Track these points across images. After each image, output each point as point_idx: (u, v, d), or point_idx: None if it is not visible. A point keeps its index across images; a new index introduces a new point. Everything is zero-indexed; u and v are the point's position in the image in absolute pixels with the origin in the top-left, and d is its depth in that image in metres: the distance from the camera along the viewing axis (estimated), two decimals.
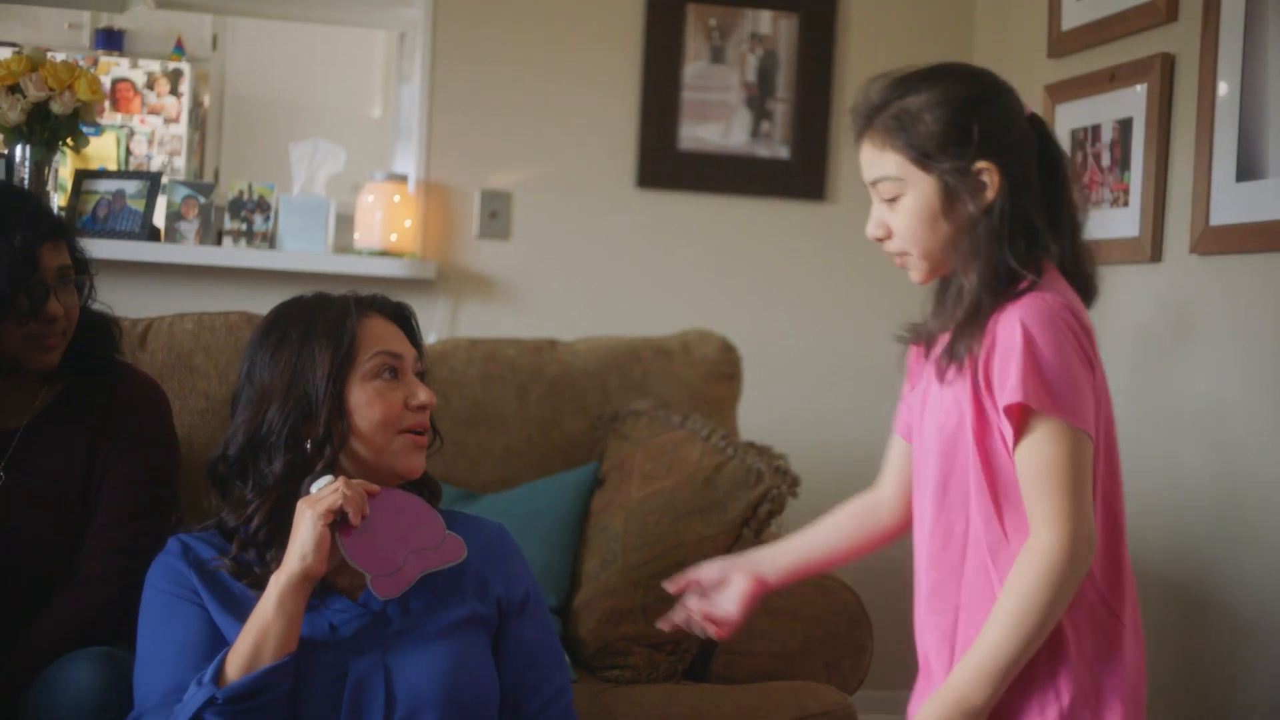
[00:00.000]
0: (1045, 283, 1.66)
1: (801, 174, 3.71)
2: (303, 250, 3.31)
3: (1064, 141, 3.27)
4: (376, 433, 1.81)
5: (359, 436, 1.81)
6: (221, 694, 1.63)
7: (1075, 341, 1.63)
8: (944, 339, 1.72)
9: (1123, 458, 3.03)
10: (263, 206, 3.34)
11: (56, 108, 3.03)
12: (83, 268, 2.11)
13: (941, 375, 1.69)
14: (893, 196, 1.68)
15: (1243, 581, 2.70)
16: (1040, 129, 1.74)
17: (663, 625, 1.94)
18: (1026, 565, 1.58)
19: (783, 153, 3.70)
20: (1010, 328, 1.61)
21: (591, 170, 3.62)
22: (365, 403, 1.81)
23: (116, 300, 2.48)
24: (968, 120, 1.65)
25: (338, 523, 1.69)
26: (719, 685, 2.24)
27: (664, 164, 3.64)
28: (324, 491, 1.70)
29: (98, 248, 3.08)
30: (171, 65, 4.84)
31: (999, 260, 1.65)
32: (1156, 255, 2.94)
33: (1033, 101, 3.41)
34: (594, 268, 3.62)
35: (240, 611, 1.75)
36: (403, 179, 3.44)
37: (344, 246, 3.46)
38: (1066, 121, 3.27)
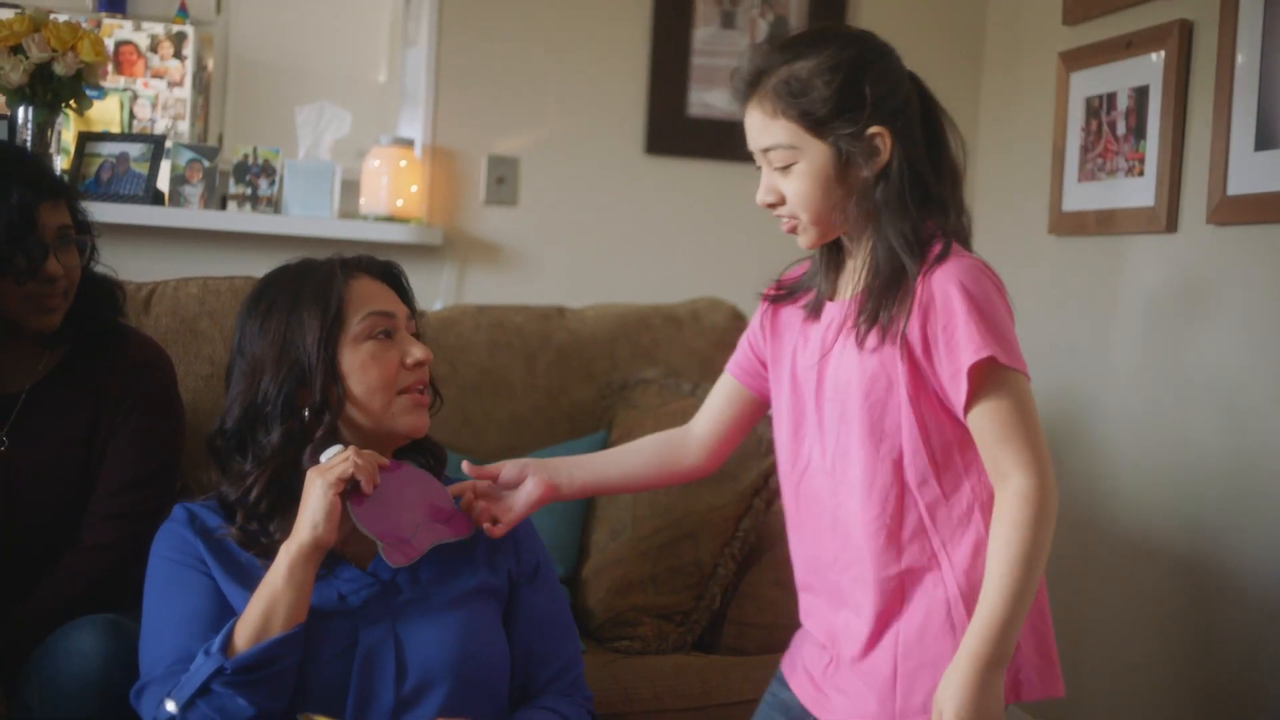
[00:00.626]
0: (955, 246, 1.67)
1: None
2: (308, 215, 3.28)
3: (1078, 109, 3.23)
4: (374, 395, 1.79)
5: (356, 402, 1.79)
6: (230, 664, 1.61)
7: (1000, 295, 1.66)
8: (843, 305, 1.72)
9: (1134, 428, 3.01)
10: (268, 170, 3.31)
11: (59, 69, 2.99)
12: (84, 228, 2.08)
13: (861, 341, 1.68)
14: (785, 164, 1.67)
15: (1254, 552, 2.68)
16: (922, 89, 1.74)
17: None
18: (1013, 513, 1.60)
19: None
20: (946, 290, 1.61)
21: (600, 136, 3.58)
22: (359, 366, 1.79)
23: (120, 264, 2.45)
24: (859, 84, 1.64)
25: (348, 492, 1.67)
26: (728, 657, 2.22)
27: (673, 130, 3.60)
28: (334, 460, 1.68)
29: (101, 211, 3.07)
30: (175, 28, 4.78)
31: (908, 224, 1.65)
32: (1172, 225, 2.90)
33: (1047, 69, 3.38)
34: (602, 234, 3.59)
35: (248, 580, 1.73)
36: (409, 144, 3.41)
37: (349, 212, 3.43)
38: (1081, 89, 3.23)
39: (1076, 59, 3.25)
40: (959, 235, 1.71)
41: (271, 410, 1.77)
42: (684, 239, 3.64)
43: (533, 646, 1.86)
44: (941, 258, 1.64)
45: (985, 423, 1.61)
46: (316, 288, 1.81)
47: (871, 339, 1.66)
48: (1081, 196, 3.23)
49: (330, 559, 1.75)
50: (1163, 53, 2.92)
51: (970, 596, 1.66)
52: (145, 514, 1.98)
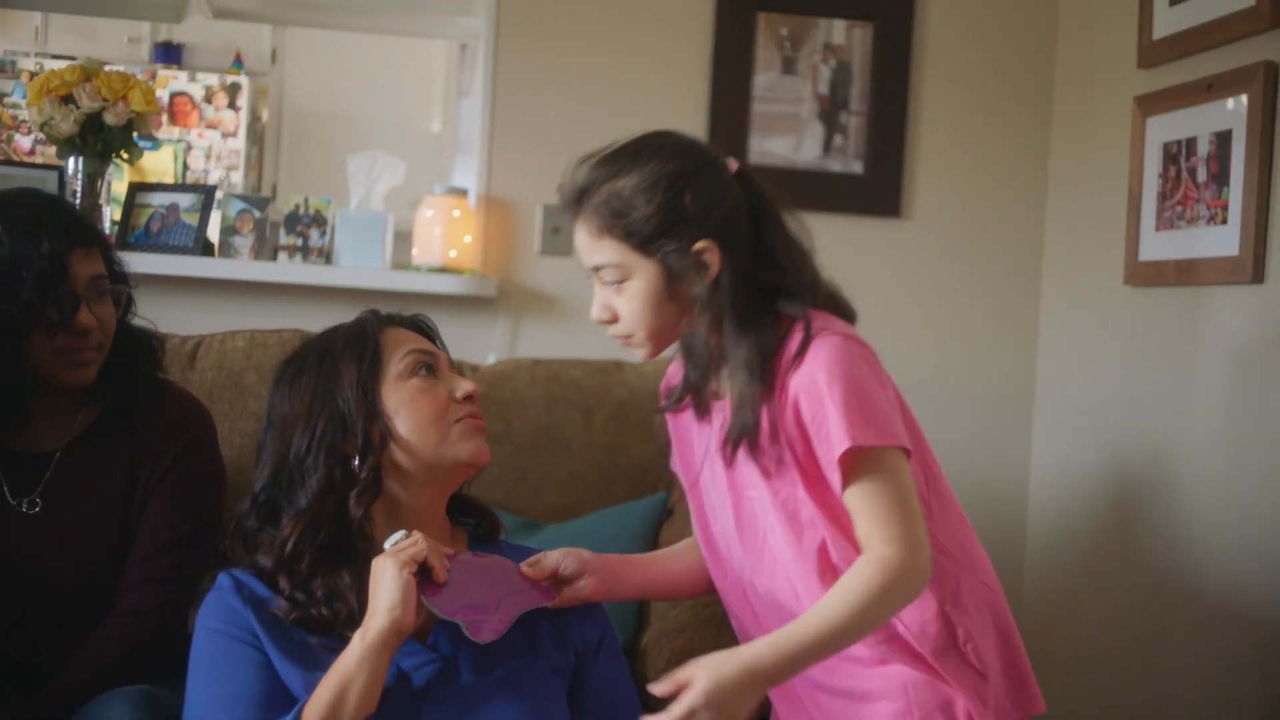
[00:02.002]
0: (816, 327, 1.67)
1: (876, 190, 3.57)
2: (360, 266, 3.21)
3: (1155, 156, 3.11)
4: (427, 431, 1.71)
5: (403, 443, 1.70)
6: None
7: (867, 366, 1.67)
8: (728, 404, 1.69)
9: (1218, 489, 2.87)
10: (319, 221, 3.25)
11: (110, 119, 2.96)
12: (119, 279, 2.00)
13: (734, 455, 1.69)
14: (616, 281, 1.66)
15: None
16: (749, 184, 1.72)
17: None
18: (861, 569, 1.58)
19: (856, 167, 3.57)
20: (810, 382, 1.61)
21: None
22: (407, 401, 1.71)
23: (168, 317, 2.39)
24: (681, 200, 1.63)
25: (419, 579, 1.60)
26: None
27: None
28: (403, 544, 1.60)
29: (150, 263, 3.05)
30: (230, 79, 4.78)
31: (753, 334, 1.65)
32: (1259, 275, 2.77)
33: (1121, 114, 3.27)
34: None
35: (304, 658, 1.63)
36: (463, 193, 3.33)
37: (402, 263, 3.35)
38: (1158, 135, 3.11)
39: (1153, 103, 3.13)
40: (830, 304, 1.76)
41: (310, 462, 1.69)
42: None
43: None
44: (801, 352, 1.64)
45: (857, 505, 1.61)
46: (348, 338, 1.76)
47: (741, 453, 1.68)
48: (1159, 246, 3.10)
49: None
50: (1246, 96, 2.80)
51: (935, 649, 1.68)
52: (184, 578, 1.89)
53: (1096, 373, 3.39)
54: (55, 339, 1.87)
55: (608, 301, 1.67)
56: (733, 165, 1.72)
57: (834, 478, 1.59)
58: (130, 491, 1.97)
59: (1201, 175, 2.96)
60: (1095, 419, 3.38)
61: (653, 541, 2.40)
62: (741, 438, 1.65)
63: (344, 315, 1.86)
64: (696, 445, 1.81)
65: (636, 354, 1.73)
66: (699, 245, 1.63)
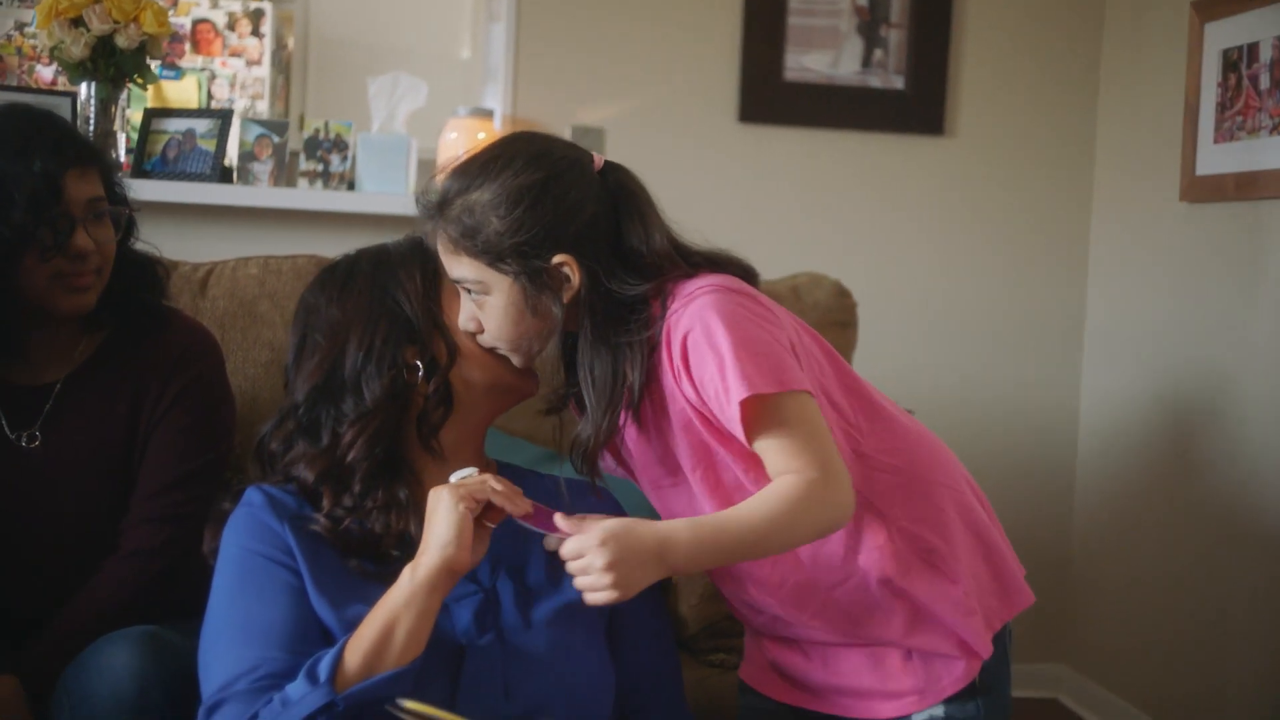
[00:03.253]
0: (677, 290, 1.61)
1: (918, 106, 3.43)
2: (382, 192, 3.10)
3: (1214, 63, 2.95)
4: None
5: (468, 355, 1.61)
6: (342, 699, 1.41)
7: (747, 312, 1.58)
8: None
9: (1278, 411, 2.74)
10: (340, 146, 3.14)
11: (122, 41, 2.85)
12: (120, 200, 1.89)
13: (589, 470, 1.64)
14: (478, 294, 1.58)
15: None
16: (611, 181, 1.67)
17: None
18: (782, 480, 1.50)
19: (897, 83, 3.42)
20: (691, 341, 1.54)
21: (690, 104, 3.37)
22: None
23: (185, 245, 2.29)
24: (536, 215, 1.55)
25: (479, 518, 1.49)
26: None
27: (768, 96, 3.38)
28: (469, 480, 1.49)
29: (167, 190, 2.96)
30: (253, 5, 4.65)
31: (607, 358, 1.58)
32: None
33: (1178, 19, 3.10)
34: (693, 208, 3.29)
35: (339, 588, 1.53)
36: (488, 115, 3.21)
37: None
38: (1217, 41, 2.96)
39: (1211, 8, 2.97)
40: (710, 265, 1.70)
41: (371, 369, 1.59)
42: (780, 212, 3.41)
43: (636, 665, 1.69)
44: (663, 314, 1.58)
45: (769, 455, 1.52)
46: (406, 250, 1.67)
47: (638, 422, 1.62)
48: (1218, 159, 2.95)
49: None
50: None
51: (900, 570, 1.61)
52: (191, 515, 1.79)
53: (1150, 295, 3.25)
54: (50, 263, 1.76)
55: (473, 313, 1.59)
56: (597, 163, 1.66)
57: (738, 432, 1.51)
58: (133, 424, 1.88)
59: (1264, 83, 2.80)
60: (1149, 344, 3.25)
61: None
62: (589, 454, 1.60)
63: (366, 242, 1.74)
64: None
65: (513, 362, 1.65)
66: (557, 260, 1.55)
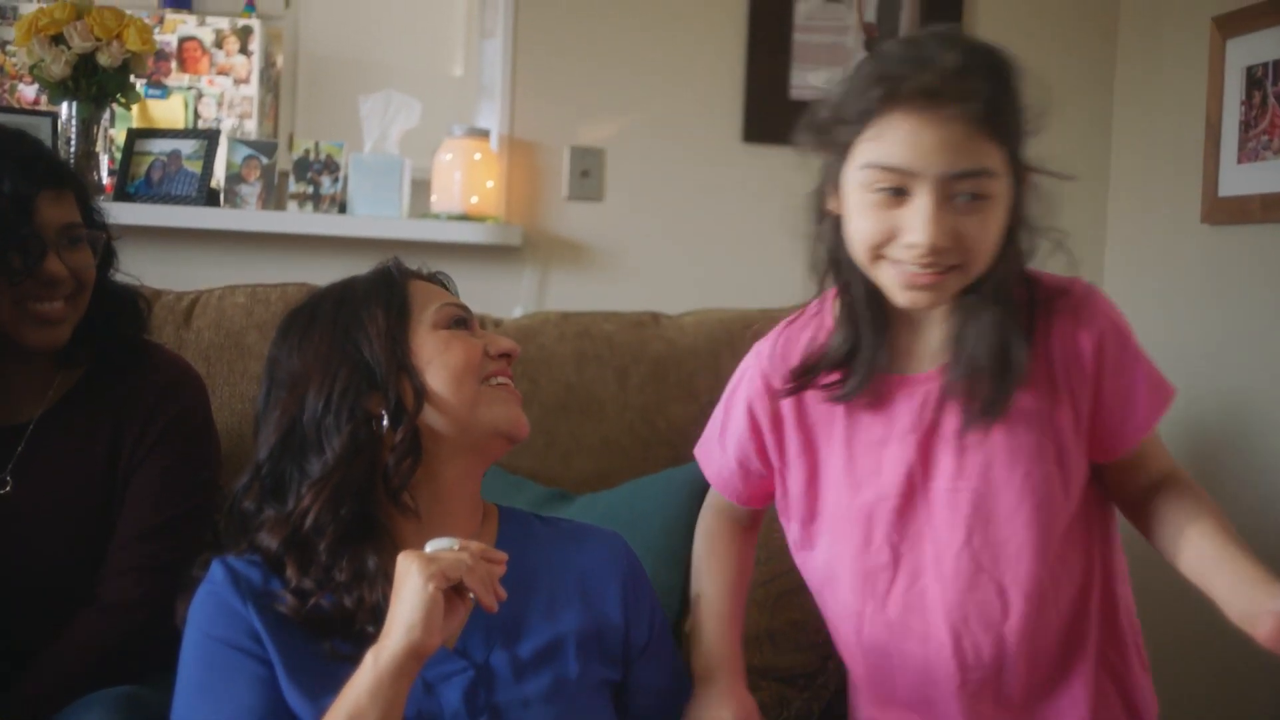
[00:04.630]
0: (1040, 279, 1.56)
1: None
2: (375, 215, 3.00)
3: (1236, 80, 2.85)
4: (460, 384, 1.48)
5: (436, 400, 1.47)
6: None
7: None
8: (931, 378, 1.50)
9: None
10: (331, 167, 3.03)
11: (104, 60, 2.76)
12: (98, 226, 1.78)
13: (998, 415, 1.48)
14: (981, 196, 1.39)
15: None
16: None
17: None
18: (1190, 481, 1.55)
19: None
20: (1113, 333, 1.52)
21: (693, 123, 3.26)
22: (441, 349, 1.50)
23: (171, 272, 2.18)
24: (1027, 109, 1.46)
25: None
26: None
27: (773, 115, 3.26)
28: (444, 553, 1.32)
29: (151, 214, 2.85)
30: (241, 23, 4.55)
31: (1020, 273, 1.50)
32: None
33: (1198, 35, 3.00)
34: (697, 231, 3.26)
35: (312, 675, 1.38)
36: (484, 135, 3.10)
37: (420, 211, 3.13)
38: (1240, 58, 2.85)
39: (1234, 23, 2.86)
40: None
41: (330, 421, 1.45)
42: (788, 235, 3.28)
43: (663, 713, 1.58)
44: (1065, 290, 1.53)
45: (1156, 452, 1.56)
46: (371, 284, 1.56)
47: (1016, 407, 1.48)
48: (1243, 180, 2.84)
49: None
50: None
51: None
52: (173, 565, 1.66)
53: (1168, 319, 3.14)
54: (19, 288, 1.64)
55: (955, 225, 1.39)
56: None
57: (1137, 439, 1.50)
58: (112, 468, 1.76)
59: None
60: (1169, 370, 3.13)
61: (694, 514, 2.17)
62: (1000, 408, 1.44)
63: (358, 268, 1.64)
64: (835, 428, 1.56)
65: (931, 297, 1.45)
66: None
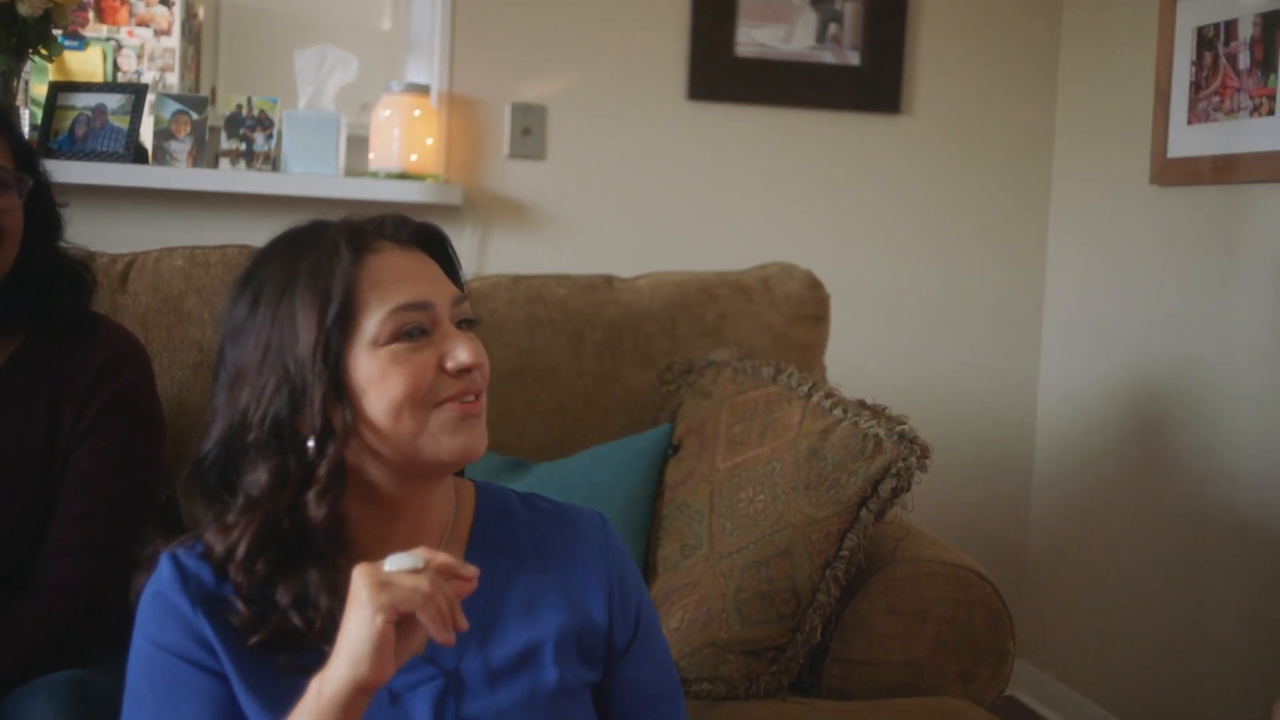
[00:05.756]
0: None
1: (874, 83, 3.28)
2: (310, 173, 2.89)
3: (1187, 40, 2.84)
4: (398, 418, 1.27)
5: (375, 429, 1.27)
6: None
7: None
8: None
9: (1261, 407, 2.63)
10: (264, 123, 2.92)
11: (24, 9, 2.62)
12: (28, 164, 1.67)
13: None
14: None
15: None
16: None
17: None
18: None
19: (853, 59, 3.27)
20: None
21: (637, 80, 3.18)
22: (377, 377, 1.27)
23: (96, 232, 2.07)
24: None
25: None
26: (834, 703, 1.83)
27: (719, 73, 3.20)
28: (401, 578, 1.14)
29: (76, 171, 2.72)
30: None
31: None
32: None
33: None
34: (641, 192, 3.19)
35: (269, 688, 1.25)
36: (424, 91, 3.00)
37: (357, 169, 3.03)
38: (1190, 18, 2.83)
39: None
40: None
41: (255, 438, 1.28)
42: (735, 196, 3.24)
43: (642, 712, 1.45)
44: None
45: None
46: (315, 267, 1.29)
47: None
48: (1193, 141, 2.83)
49: None
50: None
51: None
52: (118, 546, 1.59)
53: (1116, 282, 3.13)
54: None
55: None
56: None
57: None
58: (52, 443, 1.66)
59: (1244, 62, 2.68)
60: (1114, 333, 3.13)
61: (657, 482, 2.12)
62: None
63: (281, 232, 1.40)
64: None
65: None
66: None
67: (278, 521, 1.27)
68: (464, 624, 1.14)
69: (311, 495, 1.27)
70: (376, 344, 1.27)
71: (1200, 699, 2.82)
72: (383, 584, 1.13)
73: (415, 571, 1.14)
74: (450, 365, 1.29)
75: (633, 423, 2.28)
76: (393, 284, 1.30)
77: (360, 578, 1.14)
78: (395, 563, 1.15)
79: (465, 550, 1.39)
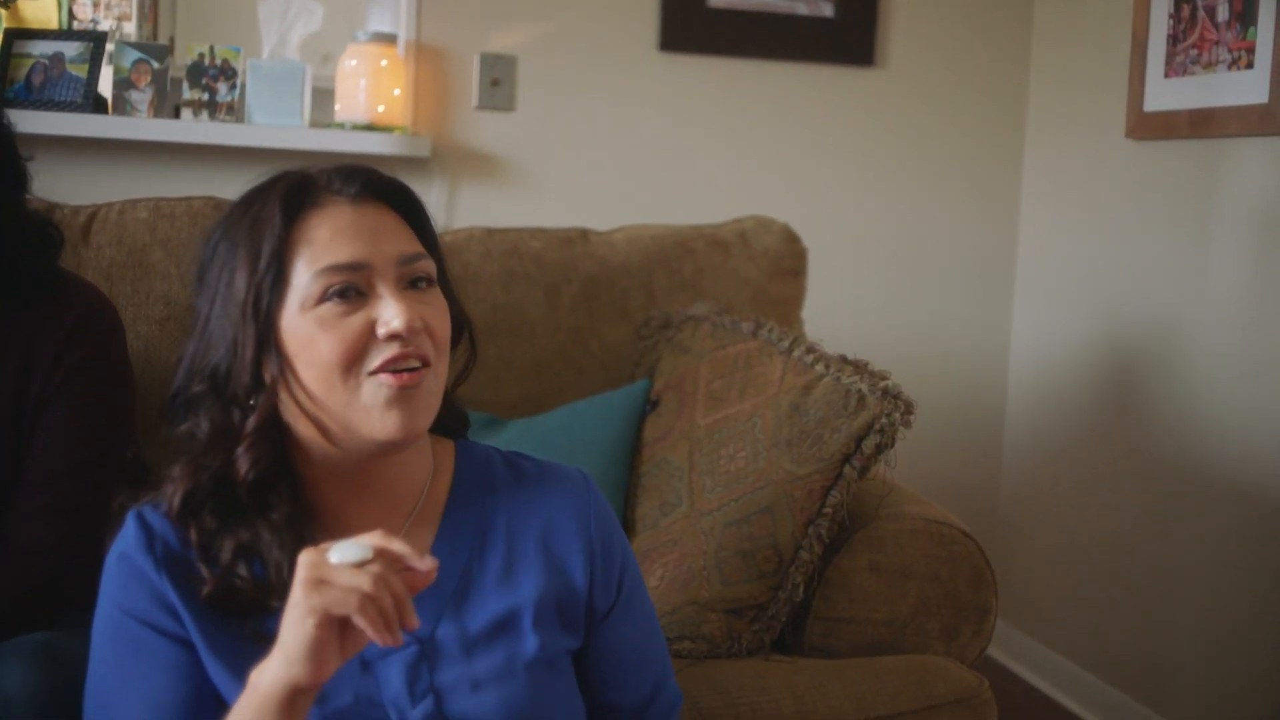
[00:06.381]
0: None
1: (848, 36, 3.23)
2: (275, 124, 2.83)
3: None
4: (329, 384, 1.21)
5: (309, 395, 1.22)
6: None
7: None
8: None
9: (1234, 361, 2.62)
10: (227, 73, 2.85)
11: None
12: None
13: None
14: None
15: None
16: None
17: None
18: None
19: (826, 11, 3.22)
20: None
21: (608, 31, 3.13)
22: (306, 341, 1.22)
23: (55, 184, 2.01)
24: None
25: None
26: (817, 661, 1.81)
27: (691, 24, 3.15)
28: (340, 575, 1.06)
29: (33, 121, 2.64)
30: None
31: None
32: None
33: None
34: (612, 144, 3.14)
35: (241, 661, 1.19)
36: (390, 40, 2.94)
37: (323, 121, 2.97)
38: None
39: None
40: None
41: (198, 390, 1.25)
42: (707, 149, 3.20)
43: (617, 683, 1.41)
44: None
45: None
46: (254, 221, 1.25)
47: None
48: (1169, 94, 2.81)
49: None
50: None
51: None
52: (87, 508, 1.55)
53: (1090, 236, 3.12)
54: None
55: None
56: None
57: None
58: (20, 403, 1.61)
59: (1222, 14, 2.65)
60: (1087, 287, 3.12)
61: (635, 438, 2.09)
62: None
63: (252, 183, 1.33)
64: None
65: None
66: None
67: (211, 476, 1.23)
68: (414, 622, 1.07)
69: (239, 451, 1.23)
70: (305, 306, 1.22)
71: (1170, 651, 2.83)
72: (318, 582, 1.06)
73: (363, 563, 1.06)
74: (380, 331, 1.21)
75: (610, 378, 2.25)
76: (326, 243, 1.23)
77: (300, 571, 1.07)
78: (341, 553, 1.07)
79: (441, 516, 1.34)
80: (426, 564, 1.09)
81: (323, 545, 1.09)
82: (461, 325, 1.36)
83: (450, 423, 1.40)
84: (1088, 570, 3.12)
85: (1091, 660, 3.09)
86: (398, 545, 1.08)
